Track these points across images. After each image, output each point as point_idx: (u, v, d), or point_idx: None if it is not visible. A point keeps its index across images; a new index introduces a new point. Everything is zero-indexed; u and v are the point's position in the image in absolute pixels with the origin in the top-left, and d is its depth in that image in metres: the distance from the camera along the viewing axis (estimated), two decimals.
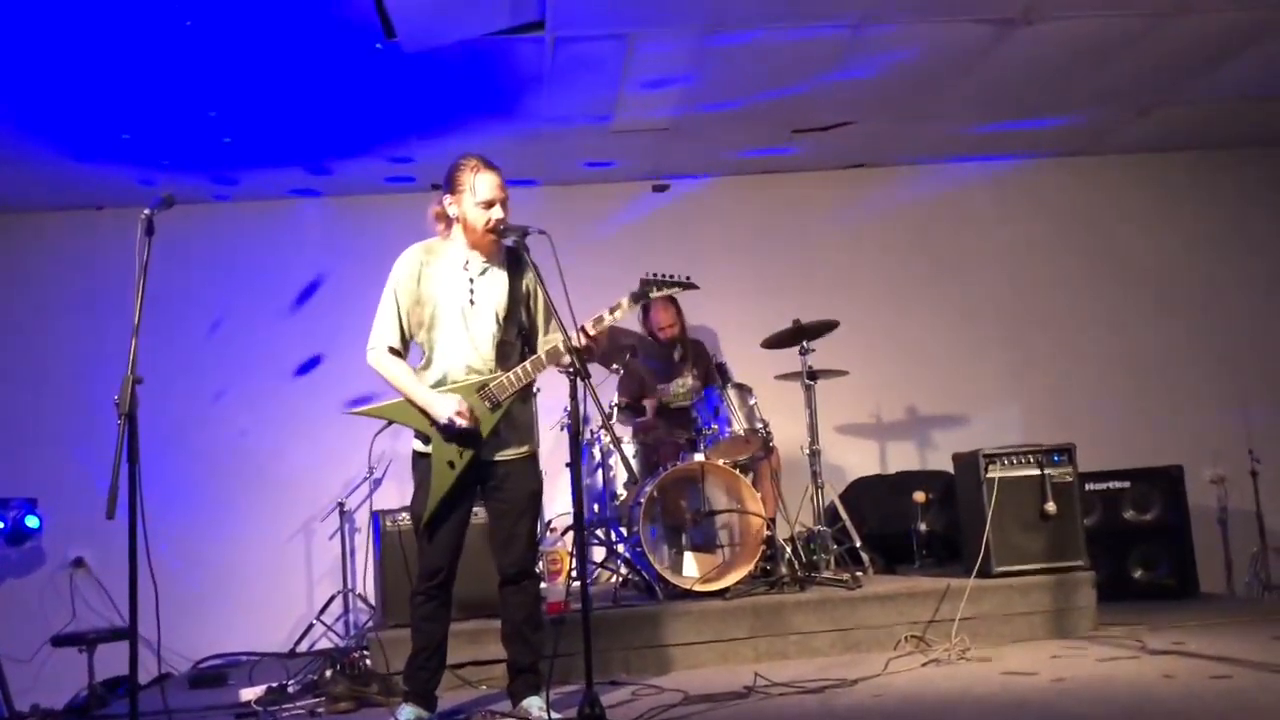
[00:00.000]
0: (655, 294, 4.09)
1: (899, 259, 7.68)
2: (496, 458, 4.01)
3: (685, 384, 6.27)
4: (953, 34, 5.65)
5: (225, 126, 6.13)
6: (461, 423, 3.87)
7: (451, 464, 3.93)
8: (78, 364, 6.91)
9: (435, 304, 4.01)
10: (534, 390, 4.17)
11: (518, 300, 4.08)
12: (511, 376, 3.96)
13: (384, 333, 4.03)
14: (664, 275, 4.08)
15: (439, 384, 3.99)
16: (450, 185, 4.02)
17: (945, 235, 7.74)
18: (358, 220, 7.28)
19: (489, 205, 3.95)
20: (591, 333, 3.93)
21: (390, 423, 4.10)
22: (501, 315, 4.03)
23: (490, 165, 4.00)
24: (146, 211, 3.41)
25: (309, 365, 7.21)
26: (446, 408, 3.89)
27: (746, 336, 6.56)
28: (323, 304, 7.27)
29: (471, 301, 4.01)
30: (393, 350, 4.01)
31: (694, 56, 5.68)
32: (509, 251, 4.09)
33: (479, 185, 3.95)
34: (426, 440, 3.99)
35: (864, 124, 6.87)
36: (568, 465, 4.10)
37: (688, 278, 4.11)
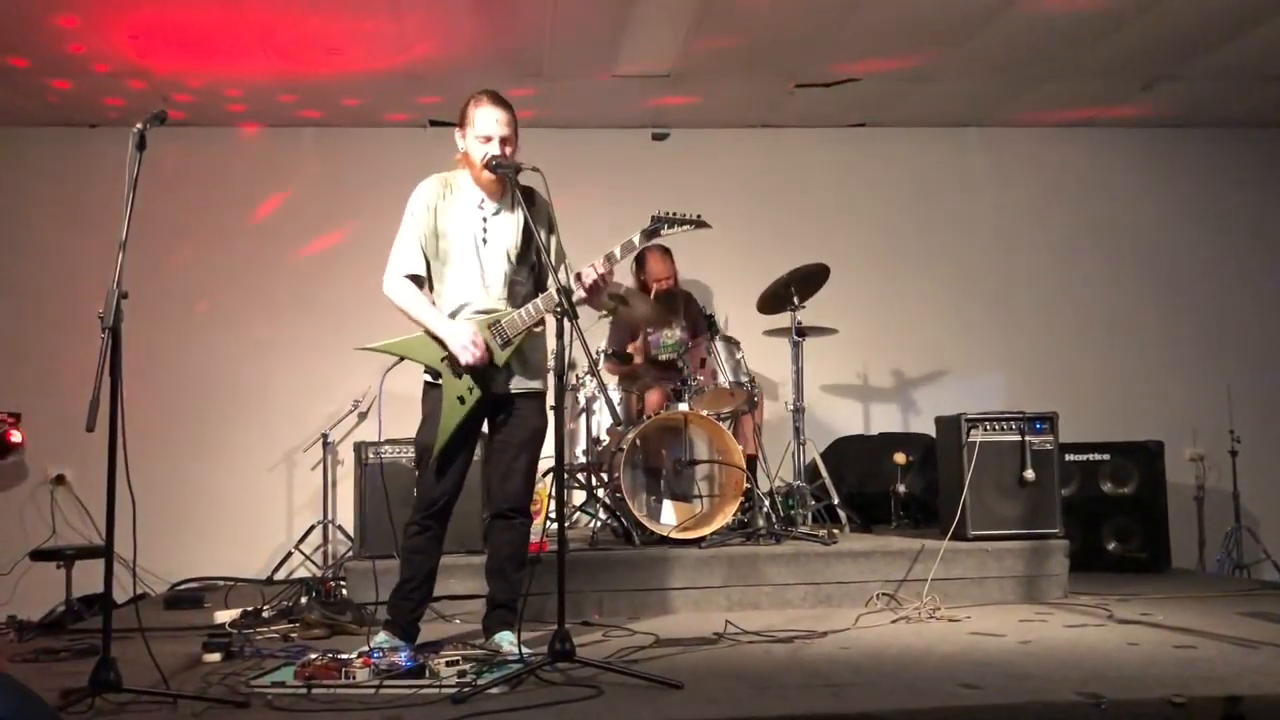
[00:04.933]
0: (668, 231, 4.04)
1: (893, 221, 7.67)
2: (506, 390, 4.02)
3: (673, 336, 6.27)
4: None
5: None
6: (475, 352, 3.88)
7: (461, 399, 3.94)
8: (66, 279, 6.88)
9: (449, 239, 4.00)
10: (543, 329, 4.17)
11: (530, 240, 4.07)
12: (522, 314, 3.96)
13: (403, 260, 4.02)
14: (675, 213, 4.03)
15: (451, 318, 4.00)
16: (459, 119, 4.04)
17: (940, 200, 7.72)
18: (352, 149, 7.26)
19: (486, 140, 3.94)
20: (601, 270, 3.94)
21: (401, 359, 4.08)
22: (514, 255, 4.04)
23: (496, 100, 3.99)
24: (139, 126, 3.37)
25: (302, 293, 7.18)
26: (462, 337, 3.89)
27: (738, 290, 6.56)
28: (316, 232, 7.23)
29: (485, 240, 4.01)
30: (411, 278, 4.00)
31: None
32: (524, 190, 4.06)
33: (479, 119, 3.96)
34: (437, 374, 3.99)
35: (866, 82, 6.83)
36: (552, 407, 4.12)
37: (699, 216, 4.07)
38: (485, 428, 4.14)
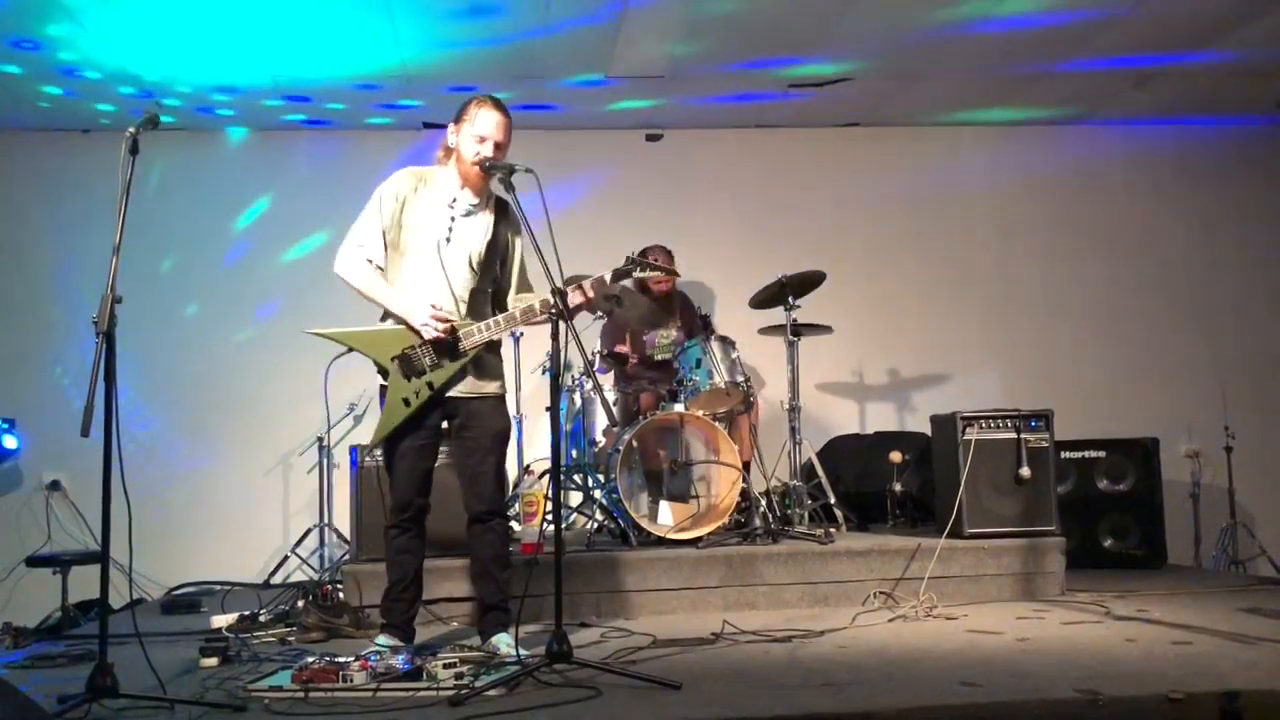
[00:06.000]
0: (639, 274, 4.15)
1: (888, 220, 7.67)
2: (460, 394, 4.00)
3: (669, 336, 6.26)
4: None
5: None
6: (439, 325, 3.87)
7: (406, 401, 3.91)
8: (60, 284, 6.87)
9: (412, 232, 4.00)
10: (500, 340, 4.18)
11: (496, 250, 4.08)
12: (482, 327, 3.96)
13: (363, 242, 4.02)
14: (651, 259, 4.22)
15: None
16: (457, 115, 4.04)
17: (934, 198, 7.72)
18: (348, 152, 7.25)
19: (482, 140, 3.95)
20: (589, 292, 3.95)
21: (350, 350, 4.03)
22: (475, 260, 4.03)
23: (499, 106, 4.01)
24: (131, 129, 3.36)
25: (292, 298, 7.15)
26: (422, 312, 3.88)
27: (733, 290, 6.55)
28: (310, 235, 7.21)
29: (448, 240, 4.00)
30: (369, 263, 4.00)
31: None
32: (499, 201, 4.09)
33: (479, 119, 3.97)
34: (386, 374, 3.98)
35: (861, 81, 6.82)
36: (548, 409, 4.10)
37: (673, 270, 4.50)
38: (447, 430, 4.11)
